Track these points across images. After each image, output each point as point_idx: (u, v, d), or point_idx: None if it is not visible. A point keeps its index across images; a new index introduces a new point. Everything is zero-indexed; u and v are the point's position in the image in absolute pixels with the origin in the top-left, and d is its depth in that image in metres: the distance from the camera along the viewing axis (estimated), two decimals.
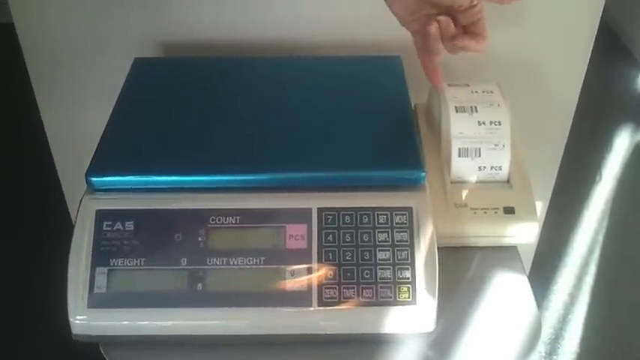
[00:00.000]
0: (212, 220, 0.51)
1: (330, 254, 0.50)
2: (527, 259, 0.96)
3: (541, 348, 1.17)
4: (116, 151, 0.54)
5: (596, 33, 0.73)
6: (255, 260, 0.50)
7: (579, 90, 0.77)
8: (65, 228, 0.54)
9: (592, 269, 1.26)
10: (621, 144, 1.19)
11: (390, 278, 0.50)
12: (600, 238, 1.27)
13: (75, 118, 0.75)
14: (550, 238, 1.00)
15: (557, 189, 0.89)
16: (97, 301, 0.49)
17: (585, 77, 0.77)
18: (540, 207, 0.90)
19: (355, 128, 0.56)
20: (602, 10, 0.71)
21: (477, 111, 0.57)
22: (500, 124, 0.57)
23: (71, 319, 0.49)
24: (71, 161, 0.64)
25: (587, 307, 1.20)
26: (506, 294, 0.55)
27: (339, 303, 0.49)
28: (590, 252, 1.28)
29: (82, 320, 0.49)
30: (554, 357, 1.16)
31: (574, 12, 0.71)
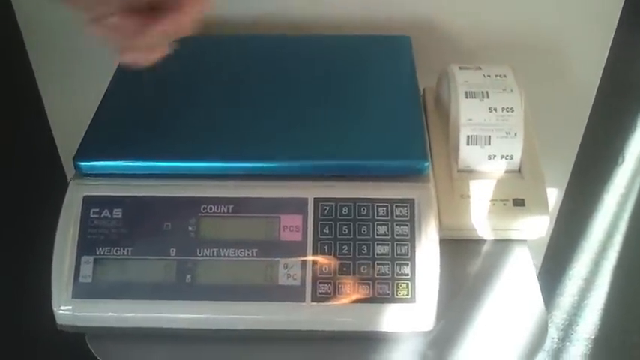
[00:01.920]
0: (203, 209, 0.49)
1: (326, 247, 0.48)
2: (543, 241, 0.93)
3: (554, 333, 1.15)
4: (106, 135, 0.52)
5: (621, 8, 0.68)
6: (247, 252, 0.48)
7: (600, 73, 0.73)
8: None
9: (610, 254, 1.23)
10: None
11: (388, 274, 0.47)
12: (620, 222, 1.23)
13: (75, 94, 0.73)
14: (568, 222, 0.97)
15: (576, 171, 0.86)
16: (82, 291, 0.47)
17: (607, 55, 0.73)
18: (556, 193, 0.87)
19: (357, 113, 0.53)
20: None
21: (488, 96, 0.54)
22: (512, 111, 0.53)
23: (55, 309, 0.48)
24: (73, 141, 0.62)
25: (603, 293, 1.17)
26: (512, 291, 0.52)
27: (334, 298, 0.47)
28: (609, 237, 1.24)
29: (67, 310, 0.48)
30: (567, 343, 1.14)
31: None
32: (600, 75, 0.74)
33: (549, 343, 1.13)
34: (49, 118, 0.76)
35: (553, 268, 1.12)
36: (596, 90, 0.76)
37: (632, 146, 1.13)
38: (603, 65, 0.73)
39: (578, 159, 0.86)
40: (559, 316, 1.15)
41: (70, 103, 0.73)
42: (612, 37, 0.70)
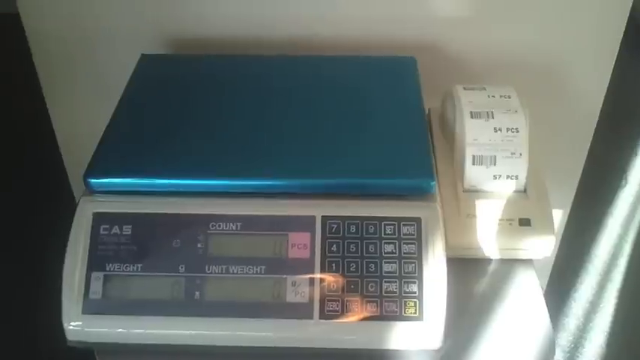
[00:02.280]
0: (212, 226, 0.49)
1: (334, 265, 0.48)
2: (548, 263, 0.93)
3: (560, 356, 1.14)
4: (116, 152, 0.52)
5: (623, 31, 0.69)
6: (255, 269, 0.48)
7: (604, 94, 0.73)
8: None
9: (615, 276, 1.22)
10: None
11: (395, 292, 0.48)
12: (624, 244, 1.23)
13: (82, 112, 0.74)
14: (573, 244, 0.97)
15: (580, 194, 0.86)
16: (92, 307, 0.48)
17: (610, 77, 0.73)
18: (560, 215, 0.87)
19: (364, 133, 0.53)
20: (630, 6, 0.67)
21: (493, 117, 0.55)
22: (517, 131, 0.54)
23: (65, 325, 0.48)
24: (79, 157, 0.63)
25: (609, 315, 1.17)
26: (519, 310, 0.52)
27: (341, 316, 0.47)
28: (614, 259, 1.24)
29: (77, 326, 0.48)
30: None
31: (599, 9, 0.67)
32: (603, 98, 0.75)
33: None
34: (56, 136, 0.77)
35: (558, 290, 1.12)
36: (599, 113, 0.77)
37: (635, 169, 1.13)
38: (606, 88, 0.74)
39: (582, 181, 0.86)
40: (565, 338, 1.14)
41: (78, 122, 0.74)
42: (614, 60, 0.71)
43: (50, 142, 0.76)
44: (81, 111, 0.74)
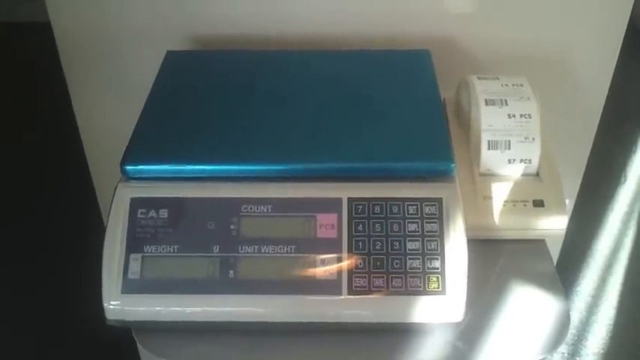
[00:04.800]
0: (244, 209, 0.51)
1: (360, 244, 0.51)
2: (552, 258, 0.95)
3: (563, 349, 1.16)
4: (150, 141, 0.55)
5: (625, 30, 0.73)
6: (286, 249, 0.51)
7: (607, 88, 0.76)
8: (95, 221, 0.55)
9: (616, 270, 1.25)
10: None
11: (419, 268, 0.50)
12: (625, 239, 1.26)
13: (107, 111, 0.76)
14: (574, 240, 0.99)
15: (581, 190, 0.89)
16: (130, 287, 0.50)
17: (612, 76, 0.76)
18: (567, 204, 0.89)
19: (386, 120, 0.56)
20: (632, 6, 0.70)
21: (506, 104, 0.57)
22: (530, 117, 0.57)
23: (105, 304, 0.50)
24: (103, 154, 0.65)
25: (611, 308, 1.19)
26: (534, 286, 0.55)
27: (368, 292, 0.50)
28: (615, 253, 1.26)
29: (116, 305, 0.50)
30: (577, 358, 1.15)
31: (603, 8, 0.71)
32: (606, 94, 0.78)
33: (559, 359, 1.14)
34: (81, 135, 0.79)
35: (561, 284, 1.14)
36: (601, 110, 0.79)
37: (634, 165, 1.16)
38: (609, 85, 0.77)
39: (585, 177, 0.89)
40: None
41: (103, 122, 0.77)
42: (616, 58, 0.74)
43: (75, 141, 0.78)
44: (106, 110, 0.76)
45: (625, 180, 1.21)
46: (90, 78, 0.75)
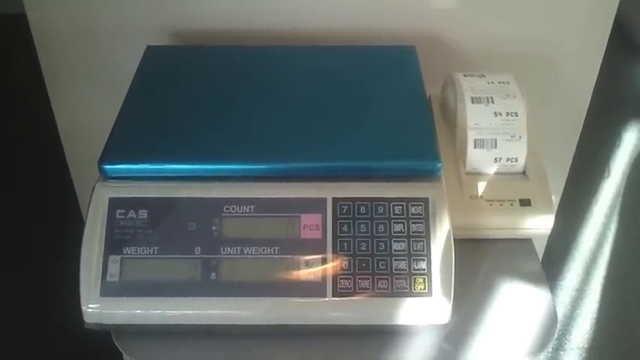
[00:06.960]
0: (226, 209, 0.50)
1: (345, 244, 0.50)
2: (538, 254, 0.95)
3: None
4: (129, 139, 0.53)
5: (610, 28, 0.72)
6: (269, 250, 0.50)
7: (593, 85, 0.76)
8: (75, 221, 0.54)
9: (601, 265, 1.25)
10: (630, 140, 1.18)
11: (405, 269, 0.49)
12: (608, 234, 1.26)
13: (86, 106, 0.74)
14: (559, 234, 0.99)
15: (567, 185, 0.88)
16: (109, 290, 0.49)
17: (598, 72, 0.76)
18: (553, 201, 0.89)
19: (371, 118, 0.55)
20: (617, 3, 0.70)
21: (493, 102, 0.57)
22: (516, 115, 0.56)
23: (84, 308, 0.49)
24: (83, 151, 0.63)
25: (595, 303, 1.20)
26: (521, 286, 0.54)
27: (353, 294, 0.49)
28: (599, 248, 1.27)
29: (95, 309, 0.49)
30: (561, 352, 1.16)
31: (589, 5, 0.70)
32: (592, 90, 0.77)
33: (543, 354, 1.15)
34: (59, 131, 0.77)
35: (547, 279, 1.14)
36: (587, 106, 0.79)
37: (617, 160, 1.16)
38: (594, 81, 0.76)
39: (571, 172, 0.89)
40: None
41: (82, 117, 0.75)
42: (602, 55, 0.74)
43: (53, 137, 0.76)
44: (85, 106, 0.74)
45: (609, 174, 1.21)
46: (68, 73, 0.73)
